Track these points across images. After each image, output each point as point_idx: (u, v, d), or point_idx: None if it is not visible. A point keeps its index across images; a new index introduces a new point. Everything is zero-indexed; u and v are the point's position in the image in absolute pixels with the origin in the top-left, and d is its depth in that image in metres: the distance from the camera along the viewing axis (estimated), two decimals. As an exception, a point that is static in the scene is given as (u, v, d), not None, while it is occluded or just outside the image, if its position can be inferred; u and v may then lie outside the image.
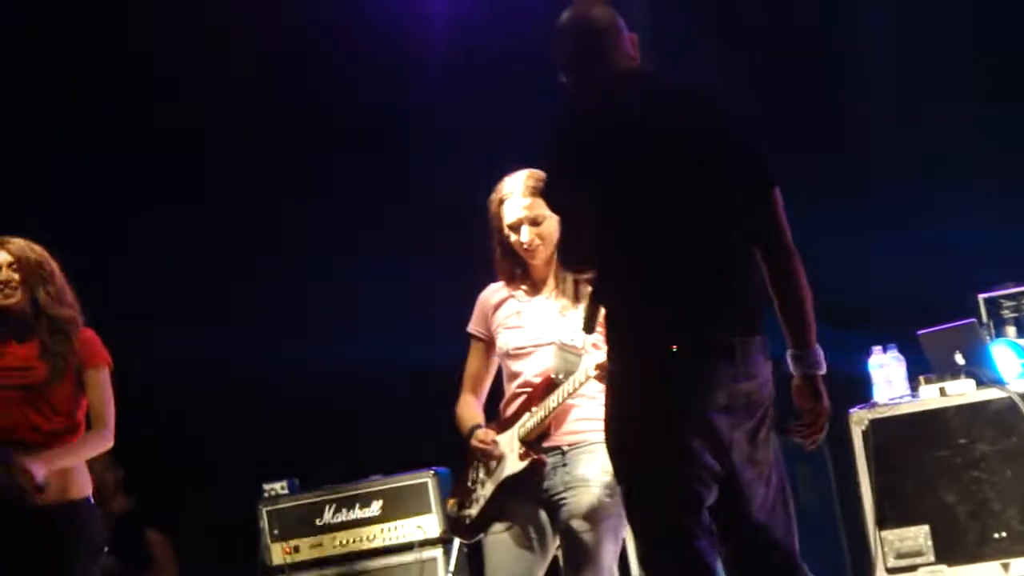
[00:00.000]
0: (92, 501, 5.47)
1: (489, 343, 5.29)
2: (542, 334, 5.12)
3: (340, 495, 7.33)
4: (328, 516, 7.28)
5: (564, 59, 4.27)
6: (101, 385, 5.44)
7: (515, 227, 5.12)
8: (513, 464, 5.10)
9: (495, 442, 5.15)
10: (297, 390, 8.20)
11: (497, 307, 5.26)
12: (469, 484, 5.25)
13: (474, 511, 5.21)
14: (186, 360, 7.99)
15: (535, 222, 5.05)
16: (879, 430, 6.04)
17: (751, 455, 4.04)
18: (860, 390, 6.51)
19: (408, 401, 7.95)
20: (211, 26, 8.10)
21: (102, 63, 8.23)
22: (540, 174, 4.90)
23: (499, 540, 5.13)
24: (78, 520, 5.38)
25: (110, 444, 5.50)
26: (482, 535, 5.21)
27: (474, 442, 5.17)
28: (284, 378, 8.15)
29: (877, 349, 6.43)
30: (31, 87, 8.19)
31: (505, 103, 7.69)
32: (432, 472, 7.19)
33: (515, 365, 5.19)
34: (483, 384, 5.34)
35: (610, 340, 4.14)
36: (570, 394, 4.98)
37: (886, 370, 6.36)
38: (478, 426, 5.22)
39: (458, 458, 5.42)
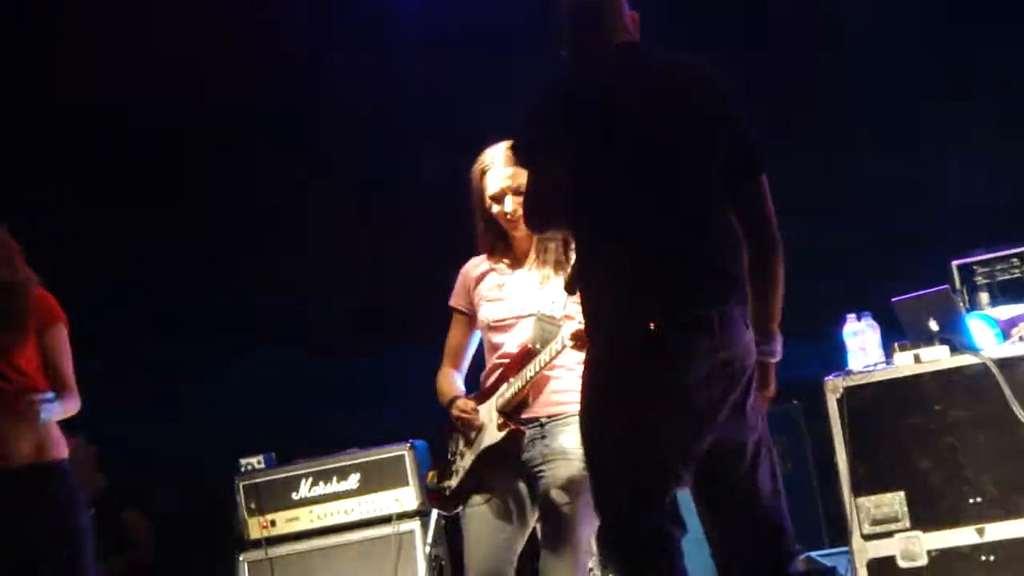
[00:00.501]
0: (67, 465, 5.44)
1: (471, 316, 5.29)
2: (524, 306, 5.12)
3: (317, 468, 7.33)
4: (305, 490, 7.29)
5: (563, 33, 4.26)
6: (60, 344, 5.44)
7: (498, 198, 5.12)
8: (492, 435, 5.10)
9: (475, 411, 5.15)
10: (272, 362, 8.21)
11: (479, 280, 5.27)
12: (449, 456, 5.25)
13: (454, 482, 5.22)
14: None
15: (518, 192, 5.02)
16: (854, 397, 6.03)
17: (741, 425, 4.05)
18: (833, 358, 6.54)
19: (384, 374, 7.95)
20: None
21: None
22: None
23: (479, 512, 5.13)
24: (56, 480, 5.37)
25: (78, 405, 5.50)
26: (462, 507, 5.22)
27: (454, 411, 5.18)
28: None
29: (851, 317, 6.43)
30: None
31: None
32: (409, 445, 7.20)
33: (496, 337, 5.20)
34: (464, 357, 5.35)
35: (587, 319, 4.12)
36: (546, 363, 4.98)
37: (860, 337, 6.35)
38: (457, 397, 5.22)
39: (434, 432, 5.43)
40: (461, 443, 5.23)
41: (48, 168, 8.33)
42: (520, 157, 4.41)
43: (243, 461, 7.42)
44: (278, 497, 7.34)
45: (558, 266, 5.04)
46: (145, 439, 7.46)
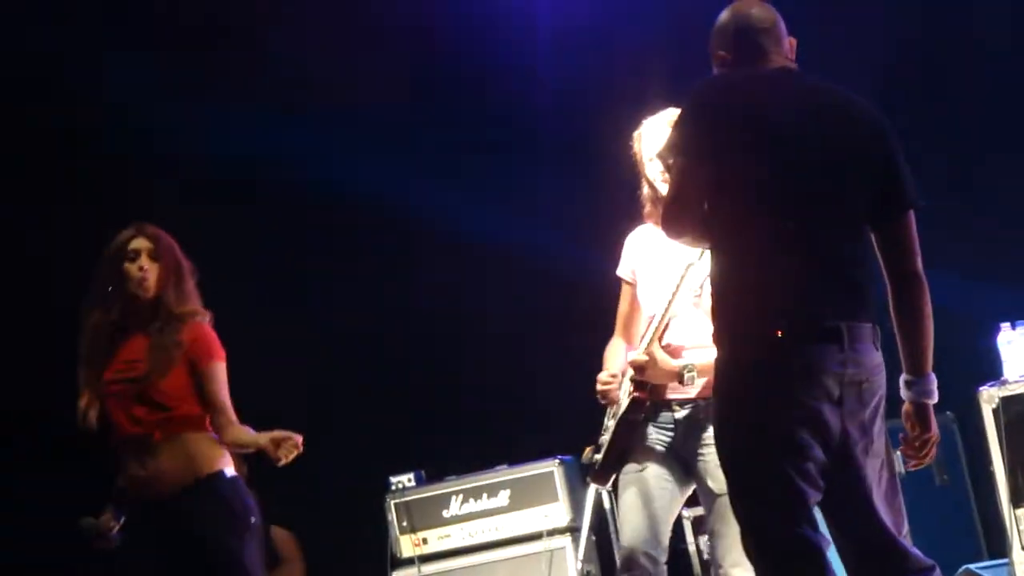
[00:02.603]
0: (228, 474, 5.36)
1: (635, 285, 5.29)
2: (675, 273, 5.04)
3: (467, 486, 7.35)
4: (455, 507, 7.31)
5: (722, 56, 4.24)
6: (216, 381, 5.35)
7: (652, 161, 5.09)
8: (623, 403, 5.10)
9: (615, 377, 5.15)
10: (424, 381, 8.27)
11: (640, 248, 5.27)
12: (602, 430, 5.25)
13: (600, 455, 5.21)
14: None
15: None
16: (1010, 407, 5.95)
17: (866, 447, 3.97)
18: (987, 367, 6.46)
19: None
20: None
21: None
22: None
23: (631, 481, 5.11)
24: (203, 498, 5.30)
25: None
26: (614, 476, 5.20)
27: (597, 384, 5.19)
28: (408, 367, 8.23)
29: (1005, 325, 6.35)
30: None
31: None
32: (557, 461, 7.20)
33: (647, 307, 5.19)
34: (633, 325, 5.32)
35: (716, 328, 4.10)
36: (661, 317, 4.96)
37: (1015, 346, 6.27)
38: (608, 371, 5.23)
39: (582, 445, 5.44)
40: (608, 415, 5.22)
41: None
42: (663, 160, 4.40)
43: (393, 479, 7.46)
44: (429, 515, 7.36)
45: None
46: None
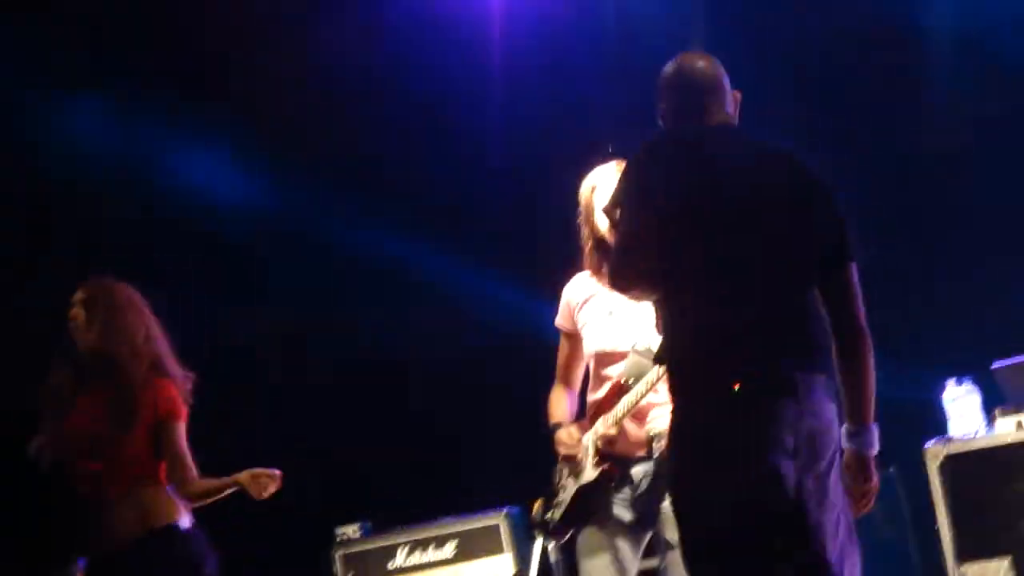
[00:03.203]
0: (183, 525, 5.37)
1: (575, 336, 5.28)
2: (631, 338, 5.07)
3: (414, 537, 7.33)
4: (402, 559, 7.28)
5: (665, 109, 4.28)
6: (176, 439, 5.39)
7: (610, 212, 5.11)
8: (588, 472, 5.10)
9: (578, 441, 5.14)
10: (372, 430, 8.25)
11: (584, 303, 5.25)
12: (554, 486, 5.24)
13: (557, 515, 5.20)
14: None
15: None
16: (956, 464, 5.98)
17: (821, 500, 3.98)
18: (933, 423, 6.49)
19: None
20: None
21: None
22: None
23: (589, 543, 5.12)
24: (159, 550, 5.32)
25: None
26: (569, 535, 5.21)
27: (556, 443, 5.18)
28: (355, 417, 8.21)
29: (951, 382, 6.38)
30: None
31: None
32: (504, 513, 7.19)
33: (601, 368, 5.18)
34: (574, 374, 5.34)
35: (671, 382, 4.12)
36: (637, 400, 4.96)
37: (960, 403, 6.30)
38: (559, 424, 5.22)
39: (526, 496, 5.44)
40: (566, 472, 5.21)
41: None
42: (610, 216, 4.42)
43: (339, 530, 7.44)
44: (375, 566, 7.33)
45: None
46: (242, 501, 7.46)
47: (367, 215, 8.21)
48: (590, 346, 5.22)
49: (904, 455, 6.53)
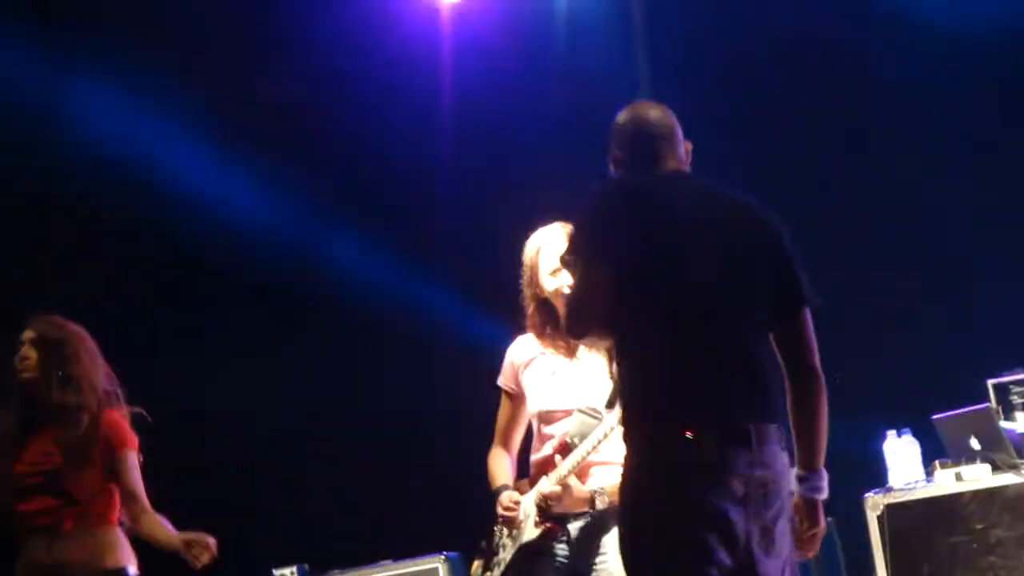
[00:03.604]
0: (131, 572, 5.38)
1: (519, 397, 5.28)
2: (574, 398, 5.08)
3: (350, 581, 7.28)
4: (338, 602, 7.25)
5: (618, 157, 4.29)
6: (129, 469, 5.38)
7: (554, 272, 5.10)
8: (530, 531, 5.09)
9: (518, 504, 5.13)
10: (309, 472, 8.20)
11: (528, 363, 5.25)
12: (492, 547, 5.23)
13: (497, 573, 5.19)
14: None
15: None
16: (894, 515, 6.00)
17: (767, 548, 3.98)
18: (872, 474, 6.51)
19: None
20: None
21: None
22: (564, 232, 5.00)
23: None
24: None
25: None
26: None
27: (498, 506, 5.17)
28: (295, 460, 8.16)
29: (891, 433, 6.40)
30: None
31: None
32: (443, 557, 7.16)
33: (545, 427, 5.18)
34: (514, 436, 5.34)
35: (625, 428, 4.11)
36: (586, 455, 4.96)
37: (900, 454, 6.32)
38: (504, 487, 5.21)
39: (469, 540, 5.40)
40: (504, 534, 5.21)
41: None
42: (565, 263, 4.41)
43: (276, 572, 7.39)
44: (312, 609, 7.29)
45: (610, 353, 5.02)
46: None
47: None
48: (533, 406, 5.22)
49: (842, 505, 6.54)
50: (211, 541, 5.30)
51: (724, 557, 3.91)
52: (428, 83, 8.31)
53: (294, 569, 7.37)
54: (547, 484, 5.06)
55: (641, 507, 3.99)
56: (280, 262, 8.35)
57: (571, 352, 5.17)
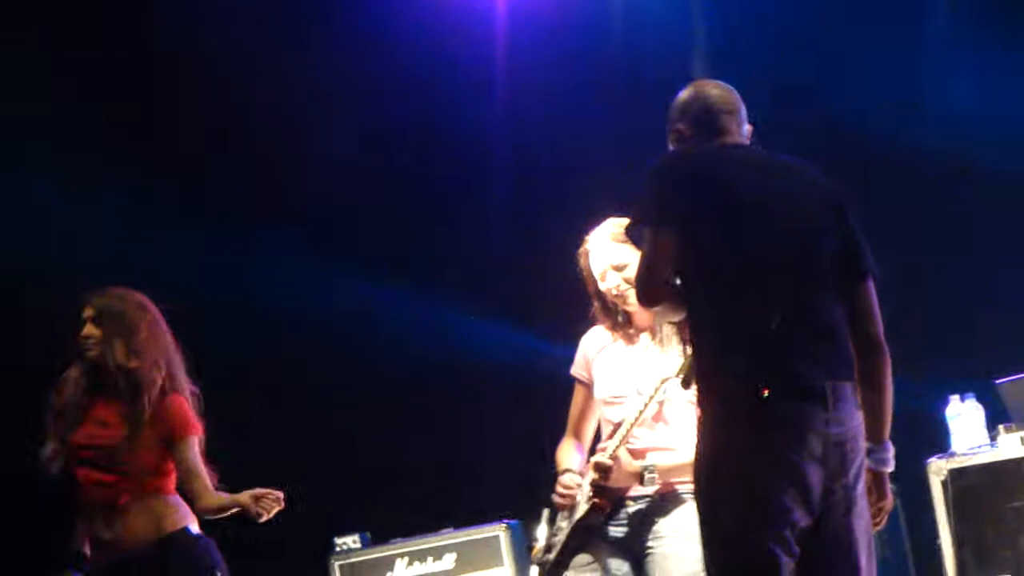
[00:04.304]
0: (193, 530, 5.37)
1: (590, 386, 5.31)
2: (635, 383, 5.11)
3: (412, 548, 7.32)
4: (401, 570, 7.27)
5: (681, 131, 4.31)
6: (191, 454, 5.37)
7: (603, 276, 5.15)
8: (581, 507, 5.13)
9: (575, 487, 5.17)
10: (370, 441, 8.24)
11: (599, 353, 5.28)
12: (554, 528, 5.26)
13: (552, 556, 5.22)
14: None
15: (619, 268, 5.09)
16: (958, 480, 5.97)
17: (849, 507, 4.00)
18: (935, 438, 6.48)
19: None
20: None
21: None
22: (621, 220, 5.00)
23: (578, 561, 5.14)
24: (172, 554, 5.30)
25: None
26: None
27: (556, 488, 5.20)
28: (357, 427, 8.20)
29: (954, 398, 6.36)
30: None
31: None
32: (504, 525, 7.18)
33: (608, 412, 5.21)
34: (585, 425, 5.36)
35: (701, 390, 4.11)
36: (630, 426, 5.00)
37: (964, 419, 6.28)
38: (567, 470, 5.24)
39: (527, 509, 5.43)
40: (562, 516, 5.24)
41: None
42: (634, 233, 4.41)
43: (338, 540, 7.42)
44: (374, 577, 7.33)
45: (678, 339, 5.03)
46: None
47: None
48: (600, 393, 5.26)
49: (905, 471, 6.51)
50: (279, 494, 5.32)
51: (800, 517, 3.93)
52: (480, 74, 8.32)
53: (356, 537, 7.40)
54: (599, 456, 5.09)
55: (719, 464, 4.00)
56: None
57: (637, 338, 5.18)
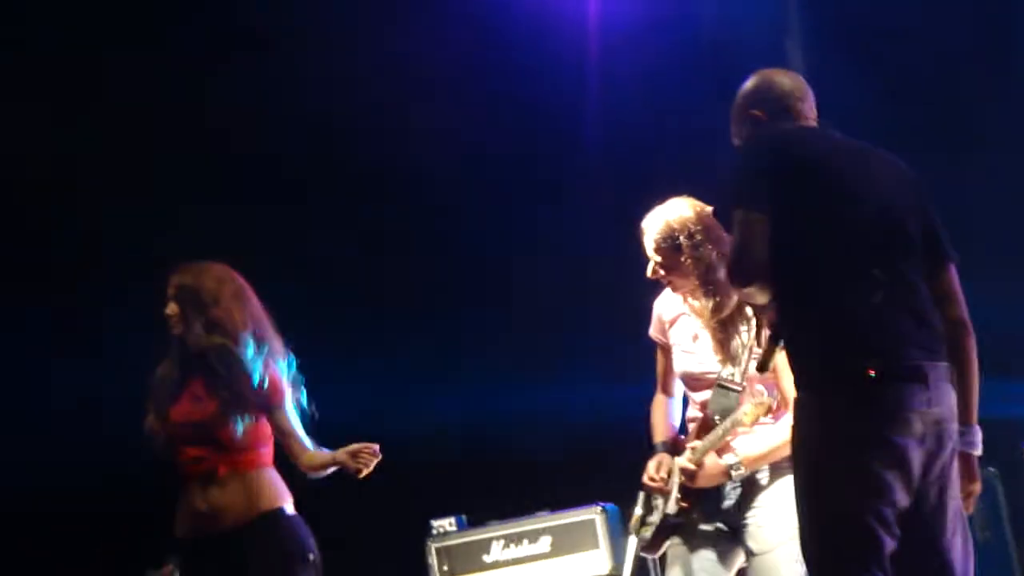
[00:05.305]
0: (288, 511, 5.41)
1: (668, 348, 5.35)
2: (713, 366, 5.14)
3: (508, 531, 7.34)
4: (497, 552, 7.30)
5: (757, 115, 4.34)
6: (285, 419, 5.42)
7: (649, 262, 5.22)
8: (671, 506, 5.18)
9: (663, 479, 5.21)
10: (468, 426, 8.28)
11: (673, 322, 5.31)
12: (648, 505, 5.32)
13: (648, 534, 5.29)
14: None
15: (658, 260, 5.17)
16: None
17: (945, 487, 4.02)
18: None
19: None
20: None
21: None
22: (663, 217, 5.12)
23: (679, 559, 5.20)
24: (264, 533, 5.35)
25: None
26: (664, 549, 5.29)
27: (645, 477, 5.25)
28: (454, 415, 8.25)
29: (1053, 381, 6.33)
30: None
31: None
32: (600, 508, 7.19)
33: (690, 390, 5.27)
34: (673, 382, 5.41)
35: (798, 366, 4.11)
36: (725, 434, 5.05)
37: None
38: (661, 444, 5.30)
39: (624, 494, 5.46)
40: (657, 496, 5.29)
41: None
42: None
43: (435, 523, 7.47)
44: (470, 560, 7.35)
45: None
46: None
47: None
48: (678, 366, 5.30)
49: (1004, 455, 6.48)
50: (374, 447, 5.34)
51: (901, 497, 3.95)
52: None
53: (452, 520, 7.44)
54: (685, 460, 5.12)
55: (821, 443, 4.01)
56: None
57: (711, 316, 5.16)
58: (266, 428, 5.44)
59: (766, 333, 4.32)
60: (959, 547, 4.04)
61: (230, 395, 5.38)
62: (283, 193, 8.41)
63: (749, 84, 4.41)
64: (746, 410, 4.98)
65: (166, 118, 8.17)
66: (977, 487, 4.17)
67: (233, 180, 8.36)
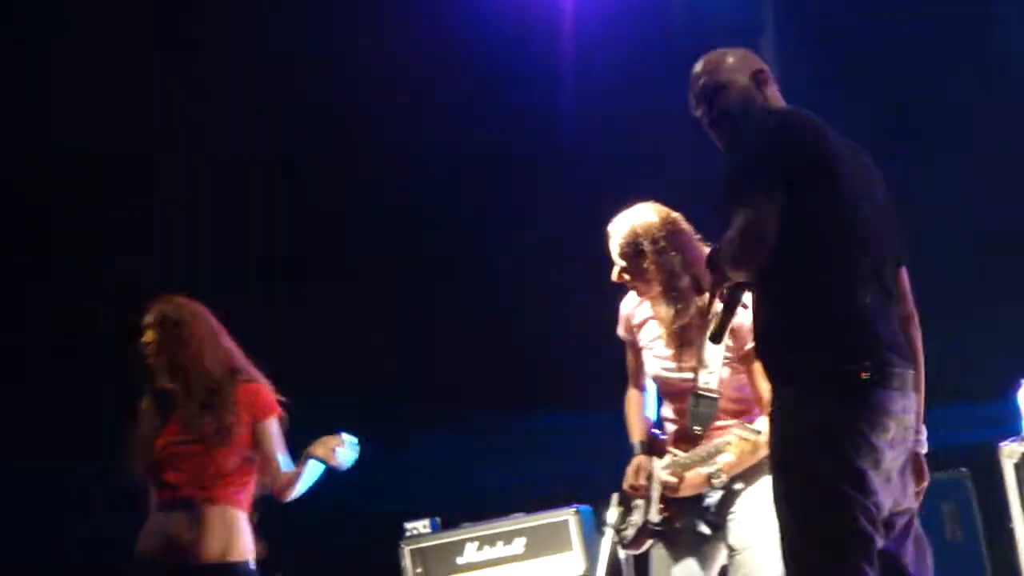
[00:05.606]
0: (251, 565, 5.46)
1: (637, 348, 5.36)
2: (685, 372, 5.12)
3: (482, 533, 7.33)
4: (471, 554, 7.29)
5: (761, 71, 4.28)
6: (270, 438, 5.45)
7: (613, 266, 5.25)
8: (653, 514, 5.20)
9: (643, 485, 5.22)
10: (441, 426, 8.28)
11: (641, 325, 5.32)
12: (631, 502, 5.31)
13: (629, 533, 5.28)
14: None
15: (622, 265, 5.20)
16: (1031, 463, 5.94)
17: (905, 489, 4.03)
18: (1007, 423, 6.44)
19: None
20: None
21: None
22: (628, 222, 5.14)
23: (661, 557, 5.22)
24: None
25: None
26: (646, 548, 5.30)
27: (625, 483, 5.27)
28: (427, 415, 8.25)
29: (1025, 381, 6.32)
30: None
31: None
32: (574, 510, 7.19)
33: (663, 394, 5.29)
34: (643, 378, 5.42)
35: (786, 361, 4.07)
36: (704, 460, 5.06)
37: (1037, 402, 6.24)
38: (639, 444, 5.30)
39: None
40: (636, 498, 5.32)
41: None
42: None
43: (408, 525, 7.46)
44: (444, 562, 7.34)
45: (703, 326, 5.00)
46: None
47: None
48: (650, 368, 5.31)
49: (976, 455, 6.49)
50: (340, 437, 5.40)
51: (884, 498, 3.93)
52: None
53: (426, 522, 7.43)
54: (666, 475, 5.13)
55: (809, 440, 3.95)
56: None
57: (673, 322, 5.16)
58: (249, 470, 5.47)
59: (718, 305, 4.23)
60: (911, 551, 4.03)
61: (222, 422, 5.40)
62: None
63: (733, 52, 4.33)
64: (730, 440, 4.98)
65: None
66: (925, 484, 4.13)
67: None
